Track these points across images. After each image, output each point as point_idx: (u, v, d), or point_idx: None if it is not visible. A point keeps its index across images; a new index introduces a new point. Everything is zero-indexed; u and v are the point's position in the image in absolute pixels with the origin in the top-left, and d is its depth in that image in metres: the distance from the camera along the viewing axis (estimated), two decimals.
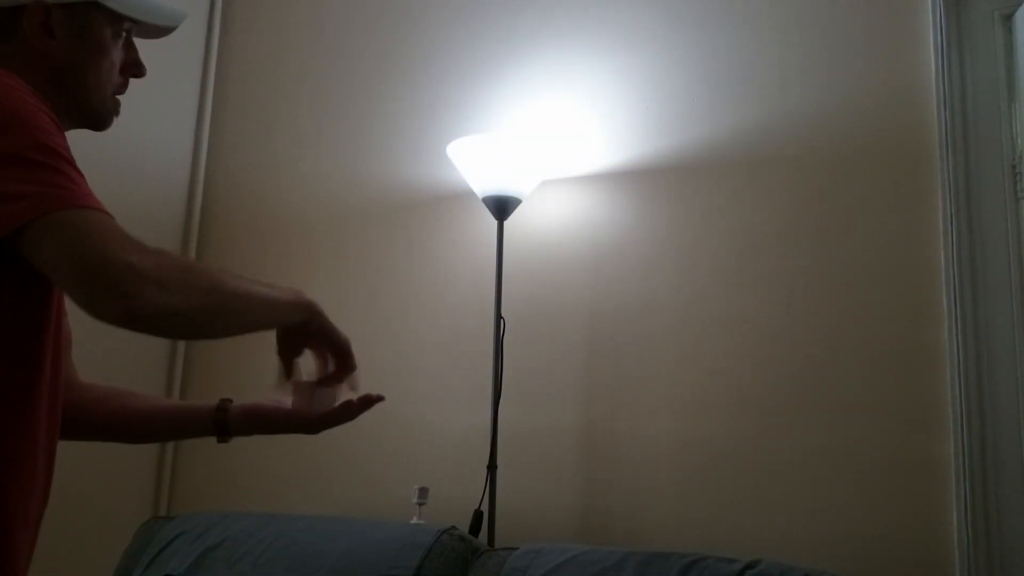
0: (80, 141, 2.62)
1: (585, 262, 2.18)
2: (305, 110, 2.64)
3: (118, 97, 1.13)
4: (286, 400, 1.16)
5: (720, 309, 2.03)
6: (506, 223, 2.16)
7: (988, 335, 1.78)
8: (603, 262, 2.16)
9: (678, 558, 1.64)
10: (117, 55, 1.09)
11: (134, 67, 1.13)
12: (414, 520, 2.02)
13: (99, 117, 1.11)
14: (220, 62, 2.80)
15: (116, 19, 1.07)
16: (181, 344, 2.58)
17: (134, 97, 2.86)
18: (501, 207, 2.08)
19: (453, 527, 1.89)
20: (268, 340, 2.47)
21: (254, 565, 1.85)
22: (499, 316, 2.07)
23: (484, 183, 2.06)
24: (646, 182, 2.16)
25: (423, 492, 2.05)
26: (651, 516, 2.00)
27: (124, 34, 1.10)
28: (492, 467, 2.01)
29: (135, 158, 2.51)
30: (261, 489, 2.41)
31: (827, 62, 2.03)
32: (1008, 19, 1.88)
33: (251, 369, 2.49)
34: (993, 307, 1.79)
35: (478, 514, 2.00)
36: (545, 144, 2.09)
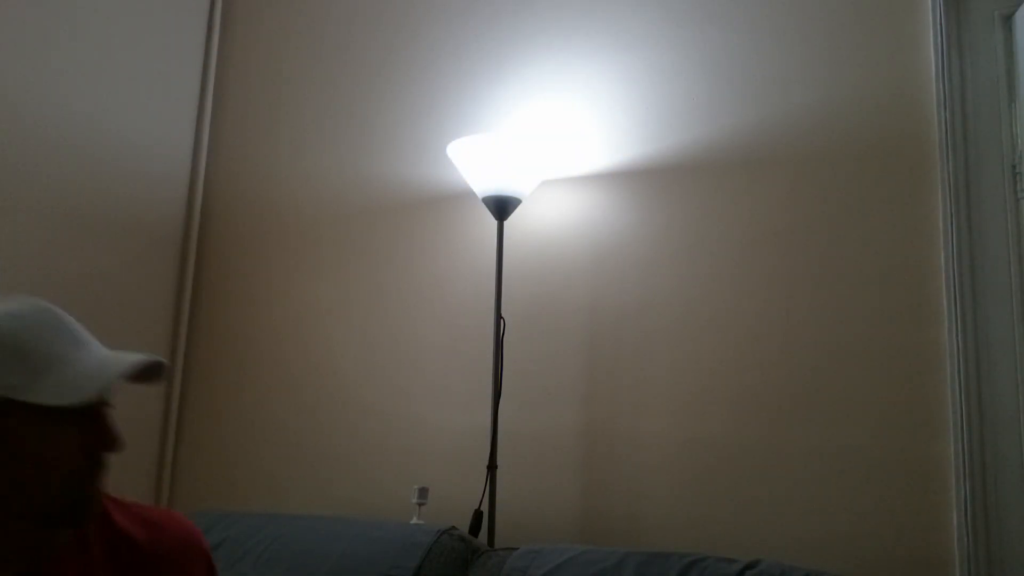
0: (80, 140, 2.61)
1: (585, 262, 2.18)
2: (305, 110, 2.64)
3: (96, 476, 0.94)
4: None
5: (720, 309, 2.03)
6: (506, 223, 2.16)
7: (988, 335, 1.79)
8: (603, 262, 2.17)
9: (678, 558, 1.64)
10: (59, 447, 0.91)
11: (105, 444, 0.94)
12: (414, 520, 2.02)
13: (57, 519, 0.92)
14: (220, 62, 2.80)
15: (43, 412, 0.89)
16: (183, 338, 2.58)
17: (135, 97, 2.87)
18: (501, 207, 2.08)
19: (453, 527, 1.89)
20: (271, 340, 2.48)
21: (254, 565, 1.84)
22: (499, 316, 2.07)
23: (484, 183, 2.06)
24: (646, 182, 2.16)
25: (423, 492, 2.05)
26: (651, 516, 2.00)
27: (75, 416, 0.91)
28: (492, 467, 2.01)
29: (135, 158, 2.51)
30: (261, 489, 2.41)
31: (827, 62, 2.03)
32: (1008, 19, 1.88)
33: (253, 365, 2.49)
34: (993, 307, 1.79)
35: (478, 514, 2.00)
36: (545, 144, 2.08)
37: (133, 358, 0.95)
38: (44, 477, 0.90)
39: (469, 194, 2.33)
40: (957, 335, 1.80)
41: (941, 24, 1.91)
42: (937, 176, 1.88)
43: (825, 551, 1.82)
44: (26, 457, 0.89)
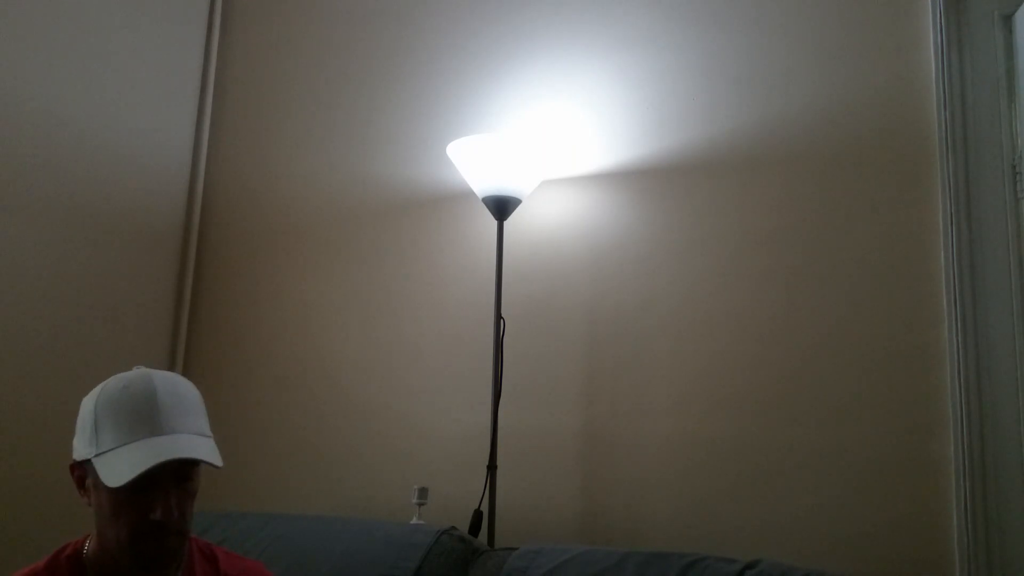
0: (80, 140, 2.61)
1: (585, 262, 2.18)
2: (305, 110, 2.64)
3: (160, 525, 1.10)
4: None
5: (720, 309, 2.03)
6: (506, 223, 2.16)
7: (988, 335, 1.79)
8: (603, 262, 2.17)
9: (678, 558, 1.64)
10: (130, 508, 1.09)
11: (155, 514, 1.09)
12: (414, 520, 2.02)
13: (141, 567, 1.11)
14: (220, 62, 2.80)
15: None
16: (182, 337, 2.58)
17: (135, 96, 2.87)
18: (501, 207, 2.08)
19: (453, 527, 1.89)
20: (271, 339, 2.48)
21: None
22: (499, 316, 2.07)
23: (484, 183, 2.07)
24: (646, 182, 2.16)
25: (423, 492, 2.05)
26: (651, 516, 2.00)
27: (140, 485, 1.08)
28: (492, 467, 2.01)
29: (135, 158, 2.51)
30: (261, 489, 2.41)
31: (827, 62, 2.03)
32: (1008, 19, 1.88)
33: (252, 364, 2.49)
34: (993, 307, 1.79)
35: (478, 514, 2.00)
36: (545, 144, 2.08)
37: (170, 455, 1.07)
38: (116, 530, 1.09)
39: (469, 194, 2.33)
40: (957, 335, 1.80)
41: (941, 24, 1.91)
42: (937, 176, 1.88)
43: (825, 551, 1.82)
44: (103, 510, 1.10)
